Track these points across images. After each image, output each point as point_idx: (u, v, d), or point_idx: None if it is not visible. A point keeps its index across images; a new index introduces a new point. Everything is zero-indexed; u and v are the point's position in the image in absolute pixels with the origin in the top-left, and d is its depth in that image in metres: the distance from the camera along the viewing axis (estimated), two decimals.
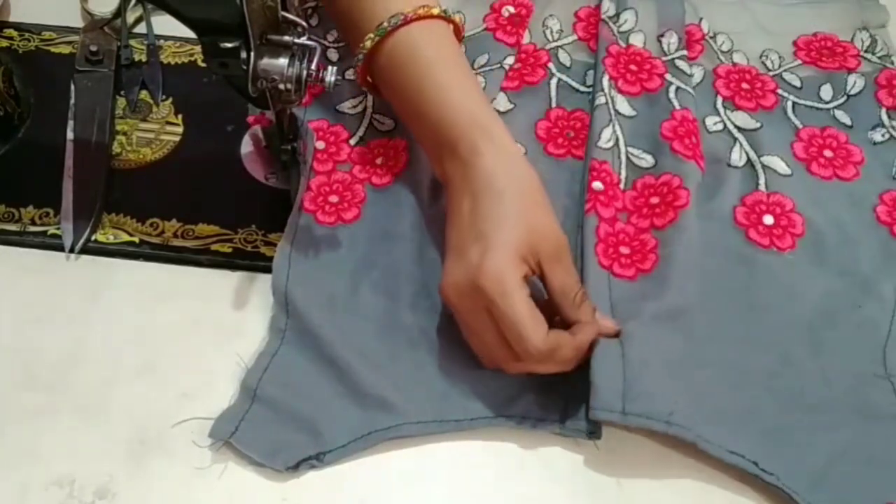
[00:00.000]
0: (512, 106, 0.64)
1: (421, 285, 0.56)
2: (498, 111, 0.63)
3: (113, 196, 0.60)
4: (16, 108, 0.63)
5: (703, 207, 0.59)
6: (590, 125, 0.63)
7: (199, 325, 0.54)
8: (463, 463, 0.50)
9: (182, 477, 0.49)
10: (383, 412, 0.51)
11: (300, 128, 0.60)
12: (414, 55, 0.55)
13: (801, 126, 0.65)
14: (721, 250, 0.58)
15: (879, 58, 0.69)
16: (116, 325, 0.54)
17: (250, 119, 0.61)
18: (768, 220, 0.59)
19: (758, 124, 0.64)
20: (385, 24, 0.55)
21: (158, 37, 0.69)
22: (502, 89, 0.65)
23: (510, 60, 0.66)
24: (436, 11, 0.56)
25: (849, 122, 0.65)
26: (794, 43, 0.70)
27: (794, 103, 0.66)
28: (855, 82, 0.67)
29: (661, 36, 0.68)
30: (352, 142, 0.62)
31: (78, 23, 0.69)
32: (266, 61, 0.48)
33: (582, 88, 0.66)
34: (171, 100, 0.66)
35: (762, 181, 0.61)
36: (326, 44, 0.67)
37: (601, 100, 0.63)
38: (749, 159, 0.62)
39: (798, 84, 0.68)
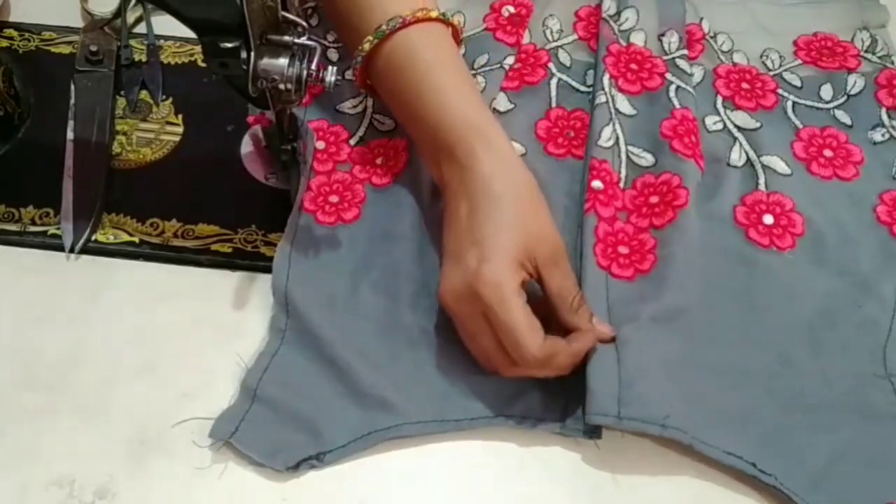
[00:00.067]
0: (512, 106, 0.64)
1: (421, 285, 0.56)
2: (498, 111, 0.63)
3: (113, 196, 0.60)
4: (16, 108, 0.63)
5: (703, 207, 0.59)
6: (590, 124, 0.63)
7: (199, 325, 0.54)
8: (463, 463, 0.50)
9: (182, 477, 0.49)
10: (383, 412, 0.51)
11: (300, 128, 0.60)
12: (412, 58, 0.55)
13: (801, 126, 0.65)
14: (721, 250, 0.58)
15: (880, 58, 0.69)
16: (116, 325, 0.54)
17: (250, 119, 0.61)
18: (768, 219, 0.59)
19: (758, 124, 0.64)
20: (383, 27, 0.55)
21: (158, 37, 0.69)
22: (502, 89, 0.65)
23: (510, 60, 0.66)
24: (434, 15, 0.56)
25: (849, 122, 0.65)
26: (795, 43, 0.70)
27: (794, 103, 0.66)
28: (855, 82, 0.67)
29: (662, 35, 0.68)
30: (352, 142, 0.62)
31: (78, 23, 0.69)
32: (266, 61, 0.47)
33: (582, 88, 0.66)
34: (171, 100, 0.66)
35: (762, 181, 0.61)
36: (326, 44, 0.67)
37: (601, 98, 0.63)
38: (749, 159, 0.62)
39: (798, 84, 0.68)
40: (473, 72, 0.65)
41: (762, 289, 0.56)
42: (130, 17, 0.69)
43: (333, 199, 0.59)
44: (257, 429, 0.49)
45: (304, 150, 0.60)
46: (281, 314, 0.54)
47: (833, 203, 0.61)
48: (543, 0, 0.70)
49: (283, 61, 0.48)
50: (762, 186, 0.61)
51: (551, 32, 0.69)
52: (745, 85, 0.67)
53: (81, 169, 0.60)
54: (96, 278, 0.56)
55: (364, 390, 0.51)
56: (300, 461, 0.49)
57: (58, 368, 0.52)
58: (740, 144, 0.63)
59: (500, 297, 0.48)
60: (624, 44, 0.67)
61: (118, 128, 0.64)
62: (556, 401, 0.52)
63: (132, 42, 0.68)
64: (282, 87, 0.48)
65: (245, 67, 0.46)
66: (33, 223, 0.58)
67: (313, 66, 0.49)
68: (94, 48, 0.66)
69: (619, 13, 0.68)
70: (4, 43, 0.68)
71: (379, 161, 0.61)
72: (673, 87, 0.64)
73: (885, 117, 0.65)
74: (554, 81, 0.66)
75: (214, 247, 0.58)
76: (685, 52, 0.67)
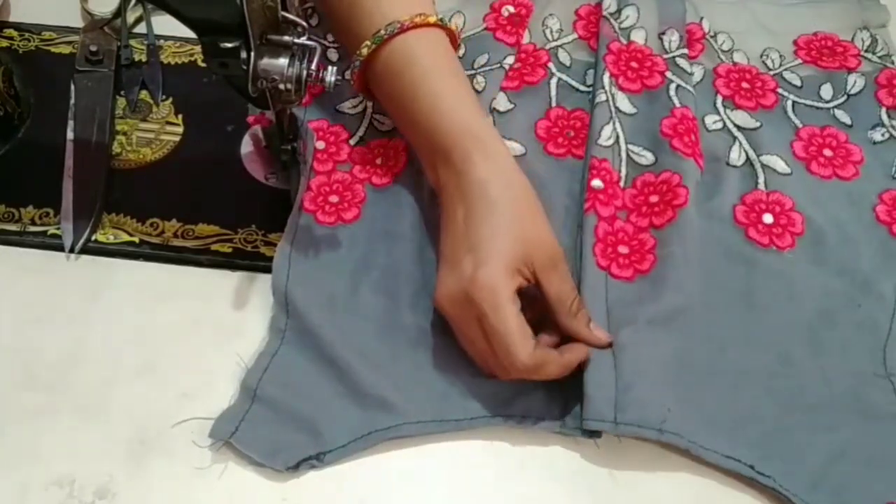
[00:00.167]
0: (512, 106, 0.64)
1: (421, 285, 0.56)
2: (498, 111, 0.63)
3: (113, 196, 0.60)
4: (16, 108, 0.63)
5: (703, 206, 0.59)
6: (590, 123, 0.63)
7: (199, 325, 0.54)
8: (463, 463, 0.51)
9: (182, 477, 0.49)
10: (383, 412, 0.51)
11: (300, 128, 0.60)
12: (409, 63, 0.55)
13: (800, 125, 0.65)
14: (720, 249, 0.58)
15: (880, 57, 0.69)
16: (116, 325, 0.54)
17: (250, 119, 0.61)
18: (768, 218, 0.59)
19: (757, 123, 0.64)
20: (382, 31, 0.55)
21: (158, 37, 0.69)
22: (502, 89, 0.65)
23: (510, 60, 0.66)
24: (432, 20, 0.56)
25: (849, 122, 0.65)
26: (795, 42, 0.70)
27: (794, 102, 0.66)
28: (855, 82, 0.67)
29: (663, 34, 0.68)
30: (352, 142, 0.62)
31: (78, 23, 0.69)
32: (266, 61, 0.47)
33: (582, 88, 0.66)
34: (171, 100, 0.66)
35: (761, 180, 0.61)
36: (326, 44, 0.67)
37: (602, 97, 0.63)
38: (748, 158, 0.62)
39: (798, 83, 0.68)
40: (473, 72, 0.65)
41: (762, 288, 0.56)
42: (130, 17, 0.69)
43: (333, 199, 0.59)
44: (257, 429, 0.49)
45: (304, 150, 0.60)
46: (281, 314, 0.54)
47: (833, 202, 0.61)
48: (543, 0, 0.70)
49: (283, 61, 0.48)
50: (762, 186, 0.61)
51: (551, 32, 0.69)
52: (745, 84, 0.67)
53: (81, 169, 0.60)
54: (96, 278, 0.56)
55: (364, 390, 0.51)
56: (300, 461, 0.49)
57: (58, 368, 0.52)
58: (740, 144, 0.63)
59: (493, 303, 0.48)
60: (624, 42, 0.67)
61: (118, 128, 0.64)
62: (555, 400, 0.52)
63: (132, 42, 0.68)
64: (282, 87, 0.48)
65: (245, 67, 0.46)
66: (33, 223, 0.58)
67: (313, 66, 0.49)
68: (94, 48, 0.66)
69: (619, 11, 0.68)
70: (4, 43, 0.68)
71: (379, 161, 0.61)
72: (673, 86, 0.64)
73: (884, 117, 0.65)
74: (554, 81, 0.66)
75: (214, 247, 0.58)
76: (685, 50, 0.67)
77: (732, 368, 0.53)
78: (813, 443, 0.51)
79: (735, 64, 0.68)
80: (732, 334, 0.54)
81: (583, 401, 0.49)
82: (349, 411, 0.51)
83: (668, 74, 0.65)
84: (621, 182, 0.60)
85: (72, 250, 0.57)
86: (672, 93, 0.64)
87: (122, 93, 0.65)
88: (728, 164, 0.62)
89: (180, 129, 0.64)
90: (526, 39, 0.68)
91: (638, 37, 0.67)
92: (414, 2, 0.56)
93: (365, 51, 0.55)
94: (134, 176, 0.61)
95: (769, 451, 0.50)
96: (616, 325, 0.53)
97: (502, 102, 0.64)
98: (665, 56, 0.66)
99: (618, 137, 0.62)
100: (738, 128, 0.64)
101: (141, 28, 0.69)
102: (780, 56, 0.69)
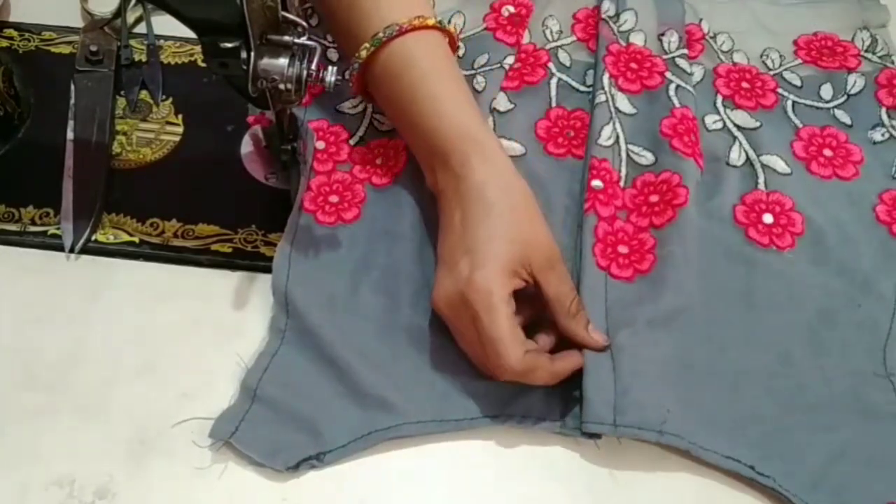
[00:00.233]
0: (512, 106, 0.64)
1: (421, 285, 0.56)
2: (498, 111, 0.63)
3: (113, 196, 0.60)
4: (16, 108, 0.63)
5: (703, 206, 0.59)
6: (590, 123, 0.63)
7: (199, 325, 0.54)
8: (463, 463, 0.51)
9: (182, 477, 0.49)
10: (383, 412, 0.51)
11: (300, 128, 0.60)
12: (408, 66, 0.55)
13: (800, 125, 0.65)
14: (720, 249, 0.58)
15: (880, 57, 0.69)
16: (116, 325, 0.54)
17: (250, 119, 0.61)
18: (768, 218, 0.59)
19: (757, 123, 0.64)
20: (380, 34, 0.55)
21: (158, 37, 0.69)
22: (502, 89, 0.65)
23: (510, 60, 0.66)
24: (431, 22, 0.56)
25: (849, 122, 0.65)
26: (795, 42, 0.70)
27: (794, 102, 0.66)
28: (855, 82, 0.67)
29: (662, 35, 0.68)
30: (352, 142, 0.62)
31: (78, 23, 0.69)
32: (266, 61, 0.47)
33: (582, 88, 0.66)
34: (171, 100, 0.66)
35: (761, 180, 0.61)
36: (326, 44, 0.67)
37: (601, 98, 0.63)
38: (748, 158, 0.62)
39: (798, 83, 0.68)
40: (474, 71, 0.65)
41: (762, 288, 0.56)
42: (130, 17, 0.69)
43: (333, 198, 0.59)
44: (257, 429, 0.49)
45: (304, 150, 0.60)
46: (281, 314, 0.54)
47: (833, 202, 0.61)
48: (543, 0, 0.70)
49: (283, 61, 0.48)
50: (762, 186, 0.61)
51: (551, 33, 0.69)
52: (745, 84, 0.67)
53: (81, 169, 0.60)
54: (96, 278, 0.56)
55: (364, 390, 0.51)
56: (300, 461, 0.49)
57: (58, 368, 0.52)
58: (740, 144, 0.63)
59: (487, 305, 0.48)
60: (623, 44, 0.67)
61: (118, 128, 0.64)
62: (556, 400, 0.52)
63: (132, 42, 0.68)
64: (282, 87, 0.48)
65: (245, 67, 0.46)
66: (33, 223, 0.58)
67: (313, 66, 0.49)
68: (94, 48, 0.66)
69: (617, 15, 0.68)
70: (4, 43, 0.68)
71: (379, 161, 0.61)
72: (673, 86, 0.64)
73: (884, 117, 0.65)
74: (554, 81, 0.66)
75: (214, 247, 0.58)
76: (685, 51, 0.67)
77: (732, 368, 0.53)
78: (813, 443, 0.51)
79: (735, 64, 0.68)
80: (732, 334, 0.54)
81: (582, 403, 0.49)
82: (349, 411, 0.51)
83: (668, 75, 0.65)
84: (621, 182, 0.60)
85: (72, 250, 0.57)
86: (672, 93, 0.64)
87: (122, 93, 0.65)
88: (728, 163, 0.62)
89: (180, 129, 0.64)
90: (526, 39, 0.68)
91: (637, 39, 0.67)
92: (413, 4, 0.56)
93: (363, 53, 0.55)
94: (134, 176, 0.61)
95: (769, 451, 0.50)
96: (615, 325, 0.53)
97: (502, 102, 0.64)
98: (665, 57, 0.66)
99: (618, 137, 0.62)
100: (738, 128, 0.64)
101: (141, 28, 0.69)
102: (780, 56, 0.69)
